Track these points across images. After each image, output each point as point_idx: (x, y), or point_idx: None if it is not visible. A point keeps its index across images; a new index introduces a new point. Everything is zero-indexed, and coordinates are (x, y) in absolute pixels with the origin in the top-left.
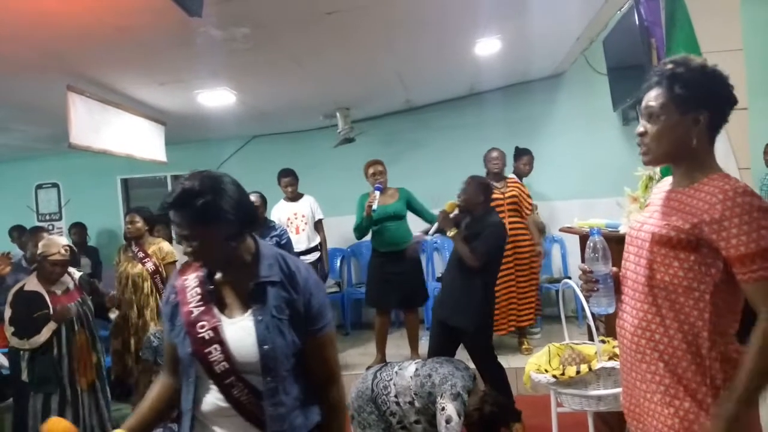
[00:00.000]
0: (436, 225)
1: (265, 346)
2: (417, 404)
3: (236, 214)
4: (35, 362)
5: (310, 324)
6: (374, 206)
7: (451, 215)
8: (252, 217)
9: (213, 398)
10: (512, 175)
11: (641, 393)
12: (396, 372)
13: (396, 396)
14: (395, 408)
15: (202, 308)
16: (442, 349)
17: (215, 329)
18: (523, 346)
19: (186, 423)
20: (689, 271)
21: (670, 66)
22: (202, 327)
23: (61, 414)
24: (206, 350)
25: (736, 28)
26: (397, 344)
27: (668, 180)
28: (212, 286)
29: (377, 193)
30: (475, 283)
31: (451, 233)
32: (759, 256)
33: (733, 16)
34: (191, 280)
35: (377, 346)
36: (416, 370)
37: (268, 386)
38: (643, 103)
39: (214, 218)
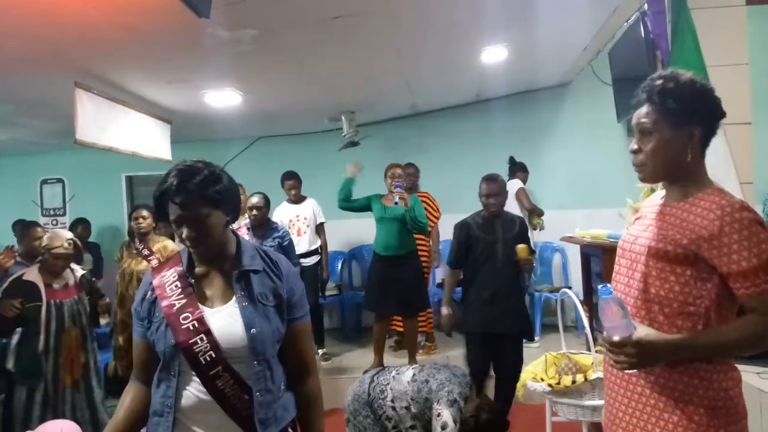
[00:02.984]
0: None
1: (253, 330)
2: (413, 409)
3: (232, 199)
4: (21, 349)
5: (291, 312)
6: (396, 200)
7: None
8: (239, 207)
9: (195, 392)
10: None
11: (627, 408)
12: (393, 376)
13: (392, 400)
14: (391, 413)
15: (184, 301)
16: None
17: (200, 319)
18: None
19: (165, 421)
20: (685, 285)
21: (659, 81)
22: (186, 318)
23: (44, 409)
24: (192, 340)
25: (741, 43)
26: (395, 349)
27: (660, 194)
28: (192, 280)
29: (398, 189)
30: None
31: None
32: (761, 269)
33: (739, 30)
34: (169, 276)
35: (375, 350)
36: (414, 375)
37: (256, 371)
38: (634, 120)
39: (218, 199)
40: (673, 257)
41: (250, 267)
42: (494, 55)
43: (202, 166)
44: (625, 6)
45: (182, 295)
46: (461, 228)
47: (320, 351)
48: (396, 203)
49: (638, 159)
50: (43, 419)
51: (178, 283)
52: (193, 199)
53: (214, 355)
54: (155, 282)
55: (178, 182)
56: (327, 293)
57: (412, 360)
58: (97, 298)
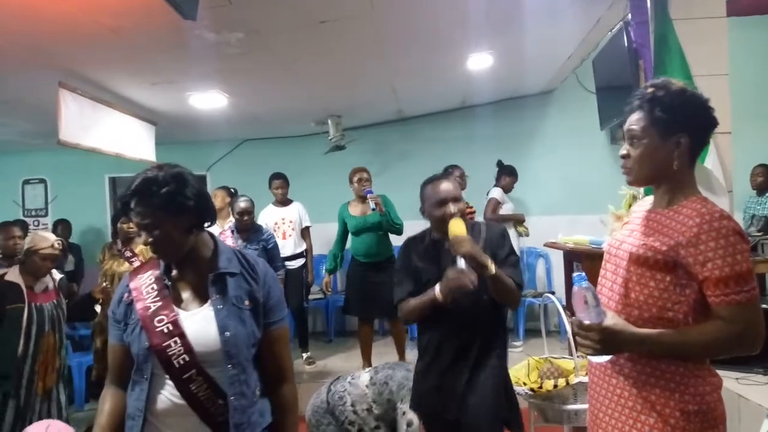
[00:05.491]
0: None
1: (227, 333)
2: (376, 411)
3: (197, 205)
4: None
5: (267, 316)
6: (372, 204)
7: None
8: (211, 212)
9: (168, 396)
10: None
11: (608, 409)
12: (349, 382)
13: (353, 405)
14: (353, 417)
15: (159, 303)
16: None
17: (174, 322)
18: None
19: (137, 424)
20: (664, 291)
21: (650, 90)
22: (161, 321)
23: (16, 418)
24: (165, 344)
25: (723, 54)
26: (380, 352)
27: (649, 199)
28: (169, 282)
29: (370, 195)
30: None
31: None
32: (733, 279)
33: (720, 41)
34: (145, 279)
35: (363, 354)
36: (371, 378)
37: (230, 375)
38: (626, 126)
39: (177, 207)
40: (653, 263)
41: (227, 269)
42: (480, 62)
43: (164, 173)
44: (609, 16)
45: (158, 298)
46: (403, 251)
47: (304, 355)
48: (373, 209)
49: (626, 164)
50: (14, 426)
51: (154, 286)
52: (151, 207)
53: (188, 359)
54: (132, 284)
55: (137, 189)
56: (311, 297)
57: (401, 358)
58: (79, 297)
